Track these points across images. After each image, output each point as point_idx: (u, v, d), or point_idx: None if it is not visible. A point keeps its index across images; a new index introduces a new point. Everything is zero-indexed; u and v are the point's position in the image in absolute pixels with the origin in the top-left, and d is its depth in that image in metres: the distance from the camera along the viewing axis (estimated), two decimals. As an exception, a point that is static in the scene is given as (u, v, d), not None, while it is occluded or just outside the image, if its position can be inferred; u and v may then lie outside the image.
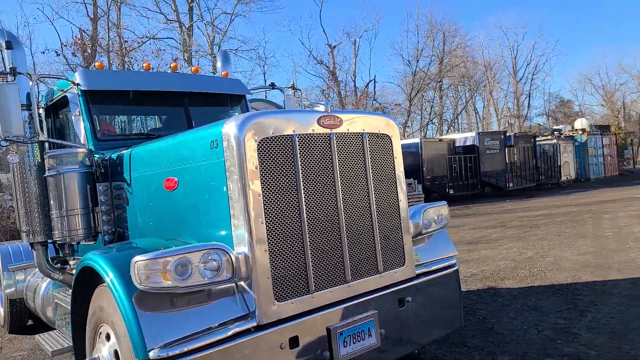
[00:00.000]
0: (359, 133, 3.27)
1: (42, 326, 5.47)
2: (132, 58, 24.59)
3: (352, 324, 3.06)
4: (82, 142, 4.35)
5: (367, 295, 3.21)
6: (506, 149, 24.88)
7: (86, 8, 24.94)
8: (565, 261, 7.78)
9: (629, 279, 6.36)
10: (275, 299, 2.77)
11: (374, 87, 37.65)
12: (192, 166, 3.10)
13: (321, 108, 3.12)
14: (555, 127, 34.88)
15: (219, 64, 6.29)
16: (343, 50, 70.65)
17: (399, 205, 3.49)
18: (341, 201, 3.10)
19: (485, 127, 48.17)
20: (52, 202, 4.03)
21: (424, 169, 22.53)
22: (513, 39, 62.29)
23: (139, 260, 2.46)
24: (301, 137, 2.94)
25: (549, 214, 15.04)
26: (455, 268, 3.90)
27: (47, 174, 4.01)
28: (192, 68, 5.15)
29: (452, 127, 47.26)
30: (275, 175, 2.83)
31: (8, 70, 3.94)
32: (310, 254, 2.93)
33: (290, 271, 2.85)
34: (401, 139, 3.77)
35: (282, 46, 66.60)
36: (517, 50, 51.18)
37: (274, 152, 2.84)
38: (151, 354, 2.39)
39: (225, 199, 2.82)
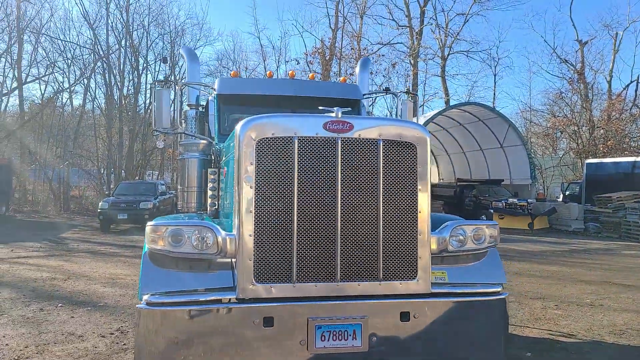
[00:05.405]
0: (373, 139, 3.28)
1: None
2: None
3: (335, 321, 3.16)
4: (212, 135, 5.50)
5: (359, 298, 3.24)
6: None
7: (329, 19, 28.76)
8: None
9: None
10: (255, 279, 3.14)
11: (636, 90, 30.85)
12: (228, 159, 3.73)
13: (332, 114, 3.29)
14: None
15: (357, 69, 6.73)
16: (596, 47, 59.95)
17: (417, 217, 3.33)
18: (339, 204, 3.20)
19: None
20: (179, 180, 5.28)
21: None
22: None
23: (149, 225, 3.22)
24: (302, 139, 3.19)
25: None
26: (497, 297, 3.43)
27: (178, 157, 5.28)
28: (309, 75, 5.78)
29: None
30: (270, 172, 3.18)
31: (162, 79, 5.34)
32: (297, 248, 3.16)
33: (273, 259, 3.17)
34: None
35: (519, 44, 60.70)
36: None
37: (271, 151, 3.18)
38: (144, 298, 3.12)
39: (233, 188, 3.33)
